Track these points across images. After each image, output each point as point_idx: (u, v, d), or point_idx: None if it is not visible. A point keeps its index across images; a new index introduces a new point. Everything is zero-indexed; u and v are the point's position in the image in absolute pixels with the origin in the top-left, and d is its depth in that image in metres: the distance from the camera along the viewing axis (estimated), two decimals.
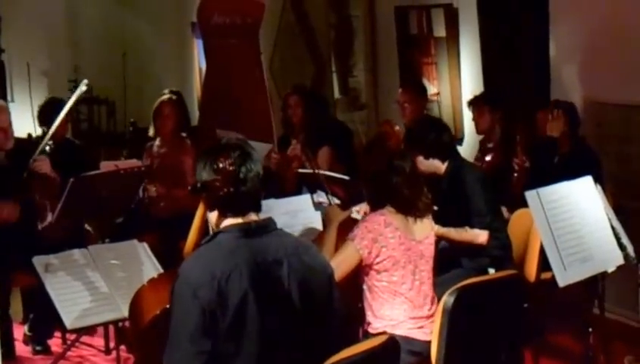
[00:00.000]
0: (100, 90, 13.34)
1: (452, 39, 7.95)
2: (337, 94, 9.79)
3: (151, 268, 4.97)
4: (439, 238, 5.13)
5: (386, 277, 4.36)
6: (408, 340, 4.32)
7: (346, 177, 6.13)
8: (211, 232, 3.32)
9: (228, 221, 3.19)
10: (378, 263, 4.33)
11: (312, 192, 5.54)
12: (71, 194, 5.60)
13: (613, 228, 4.78)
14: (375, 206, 4.48)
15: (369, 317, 4.42)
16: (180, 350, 2.98)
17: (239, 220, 3.18)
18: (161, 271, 4.86)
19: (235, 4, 8.58)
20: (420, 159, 5.30)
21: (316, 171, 5.77)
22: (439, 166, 5.38)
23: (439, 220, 4.99)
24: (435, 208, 4.84)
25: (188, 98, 11.24)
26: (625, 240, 4.81)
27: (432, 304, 4.47)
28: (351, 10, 9.45)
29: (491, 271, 5.22)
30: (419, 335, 4.37)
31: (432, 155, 5.36)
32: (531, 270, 5.38)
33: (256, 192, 3.21)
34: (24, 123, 7.78)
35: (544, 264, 4.96)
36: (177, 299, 3.04)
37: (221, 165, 3.14)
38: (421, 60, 8.42)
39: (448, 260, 5.32)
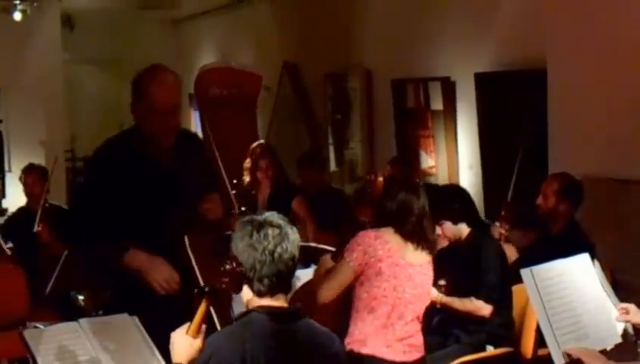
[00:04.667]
0: None
1: (449, 112, 7.95)
2: (333, 166, 9.79)
3: (141, 342, 4.88)
4: (442, 307, 5.09)
5: (367, 288, 4.41)
6: (375, 359, 4.37)
7: (331, 248, 6.02)
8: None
9: (260, 301, 3.21)
10: (363, 273, 4.39)
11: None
12: (65, 266, 5.63)
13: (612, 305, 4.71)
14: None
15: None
16: None
17: (269, 300, 3.20)
18: (152, 345, 4.79)
19: (232, 77, 8.64)
20: (448, 225, 5.35)
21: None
22: (466, 231, 5.39)
23: (450, 285, 4.98)
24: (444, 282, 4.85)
25: None
26: None
27: (410, 329, 4.49)
28: (348, 82, 9.49)
29: (489, 348, 5.16)
30: (387, 354, 4.39)
31: (460, 220, 5.38)
32: (528, 346, 5.31)
33: (288, 274, 3.22)
34: (22, 193, 7.74)
35: (541, 340, 4.89)
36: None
37: (257, 241, 3.16)
38: (418, 133, 8.42)
39: (445, 334, 5.26)
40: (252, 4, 11.65)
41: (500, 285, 5.23)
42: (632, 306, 4.16)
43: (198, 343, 3.21)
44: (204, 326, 3.25)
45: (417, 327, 4.56)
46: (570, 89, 6.62)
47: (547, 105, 6.76)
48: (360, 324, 4.42)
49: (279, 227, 3.20)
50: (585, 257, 4.70)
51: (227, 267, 3.16)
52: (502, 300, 5.23)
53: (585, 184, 6.39)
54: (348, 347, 4.38)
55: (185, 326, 3.25)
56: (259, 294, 3.19)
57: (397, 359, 4.41)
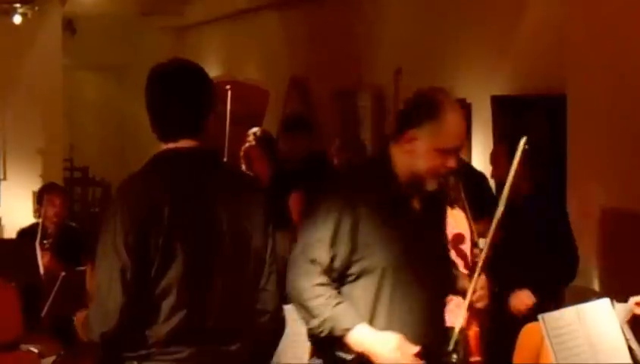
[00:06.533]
0: (96, 171, 13.19)
1: None
2: None
3: None
4: None
5: None
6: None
7: None
8: None
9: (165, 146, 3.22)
10: None
11: None
12: (61, 289, 5.57)
13: (631, 350, 4.50)
14: None
15: None
16: (108, 259, 3.01)
17: (173, 144, 3.20)
18: None
19: (239, 92, 8.51)
20: None
21: None
22: None
23: None
24: None
25: None
26: None
27: None
28: (358, 100, 9.36)
29: None
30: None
31: None
32: None
33: (187, 116, 3.19)
34: (18, 202, 7.55)
35: None
36: (111, 216, 3.05)
37: (152, 90, 3.25)
38: None
39: None
40: (259, 13, 11.50)
41: None
42: None
43: None
44: None
45: None
46: (591, 116, 6.48)
47: (566, 132, 6.62)
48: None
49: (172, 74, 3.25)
50: (604, 302, 4.50)
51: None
52: None
53: (606, 217, 6.24)
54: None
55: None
56: (167, 139, 3.20)
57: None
